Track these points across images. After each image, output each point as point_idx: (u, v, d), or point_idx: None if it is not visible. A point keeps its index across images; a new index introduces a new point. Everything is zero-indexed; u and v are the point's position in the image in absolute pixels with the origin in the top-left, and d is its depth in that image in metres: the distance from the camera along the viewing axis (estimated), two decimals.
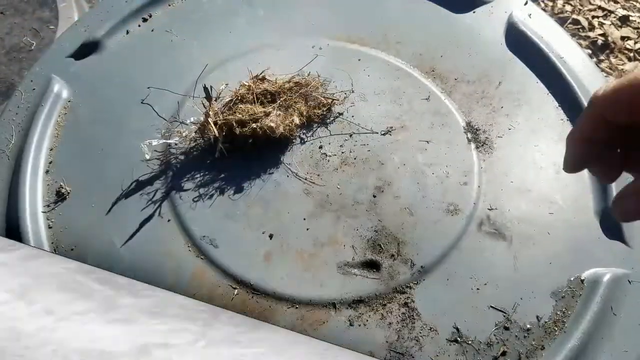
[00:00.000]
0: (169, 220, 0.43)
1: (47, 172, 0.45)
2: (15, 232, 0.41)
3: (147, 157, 0.44)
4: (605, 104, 0.24)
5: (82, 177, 0.45)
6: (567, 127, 0.51)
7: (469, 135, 0.49)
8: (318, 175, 0.45)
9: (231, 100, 0.45)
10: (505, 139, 0.49)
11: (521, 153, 0.48)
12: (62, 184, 0.44)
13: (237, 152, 0.45)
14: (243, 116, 0.44)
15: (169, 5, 0.58)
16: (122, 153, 0.46)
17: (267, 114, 0.44)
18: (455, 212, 0.44)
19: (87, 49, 0.53)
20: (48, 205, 0.43)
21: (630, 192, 0.27)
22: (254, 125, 0.44)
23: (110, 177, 0.45)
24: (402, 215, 0.44)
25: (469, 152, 0.48)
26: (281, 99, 0.45)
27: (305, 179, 0.45)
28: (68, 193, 0.44)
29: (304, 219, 0.43)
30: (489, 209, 0.45)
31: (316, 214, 0.43)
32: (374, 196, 0.45)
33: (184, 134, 0.45)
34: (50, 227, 0.42)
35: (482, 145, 0.49)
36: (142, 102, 0.49)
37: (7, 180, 0.45)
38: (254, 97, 0.45)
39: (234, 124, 0.44)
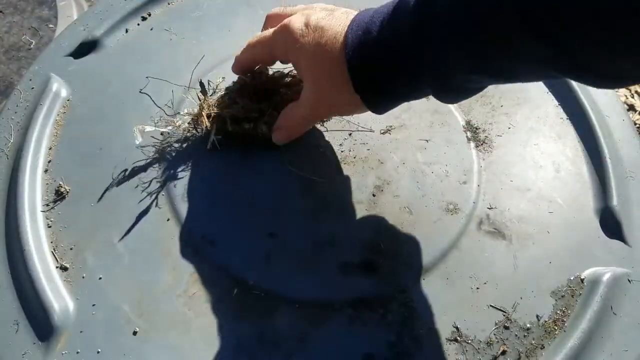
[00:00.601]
0: (168, 220, 0.43)
1: (46, 171, 0.45)
2: (14, 231, 0.41)
3: (138, 141, 0.43)
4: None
5: (81, 176, 0.45)
6: (567, 126, 0.51)
7: (469, 134, 0.49)
8: (317, 174, 0.45)
9: (227, 94, 0.45)
10: (505, 138, 0.49)
11: (521, 152, 0.48)
12: (61, 183, 0.44)
13: (235, 149, 0.45)
14: (238, 113, 0.44)
15: (168, 4, 0.58)
16: (122, 152, 0.46)
17: (262, 113, 0.44)
18: (454, 211, 0.44)
19: (86, 48, 0.53)
20: (47, 205, 0.43)
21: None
22: (246, 125, 0.44)
23: (109, 176, 0.45)
24: (401, 214, 0.44)
25: (468, 151, 0.48)
26: (278, 97, 0.45)
27: (304, 178, 0.45)
28: (67, 192, 0.44)
29: (304, 218, 0.43)
30: (488, 208, 0.45)
31: (316, 213, 0.43)
32: (374, 195, 0.45)
33: (177, 124, 0.45)
34: (49, 227, 0.42)
35: (482, 144, 0.49)
36: (140, 92, 0.49)
37: (6, 179, 0.45)
38: (250, 93, 0.45)
39: (228, 120, 0.43)
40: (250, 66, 0.44)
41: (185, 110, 0.46)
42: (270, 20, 0.44)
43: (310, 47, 0.37)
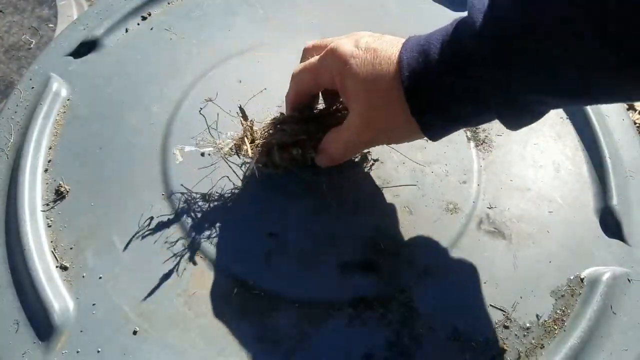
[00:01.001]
0: (168, 219, 0.43)
1: (46, 170, 0.45)
2: (14, 231, 0.41)
3: (179, 160, 0.43)
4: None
5: (81, 175, 0.45)
6: (567, 126, 0.51)
7: (469, 133, 0.49)
8: (317, 174, 0.45)
9: (273, 123, 0.42)
10: (505, 138, 0.49)
11: (520, 151, 0.48)
12: (61, 182, 0.44)
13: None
14: (285, 138, 0.41)
15: (168, 4, 0.58)
16: (121, 152, 0.46)
17: (311, 137, 0.42)
18: (454, 211, 0.44)
19: (86, 48, 0.53)
20: (47, 204, 0.43)
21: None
22: (294, 152, 0.41)
23: (109, 176, 0.45)
24: (401, 214, 0.44)
25: (468, 150, 0.48)
26: (330, 119, 0.42)
27: (305, 178, 0.45)
28: (67, 192, 0.44)
29: (304, 218, 0.43)
30: (488, 208, 0.45)
31: (316, 213, 0.43)
32: (374, 195, 0.45)
33: (220, 146, 0.42)
34: (49, 226, 0.42)
35: (482, 144, 0.49)
36: (199, 112, 0.48)
37: (6, 179, 0.45)
38: (297, 120, 0.42)
39: (275, 147, 0.41)
40: (300, 100, 0.42)
41: (230, 133, 0.43)
42: (308, 52, 0.42)
43: (362, 69, 0.35)
